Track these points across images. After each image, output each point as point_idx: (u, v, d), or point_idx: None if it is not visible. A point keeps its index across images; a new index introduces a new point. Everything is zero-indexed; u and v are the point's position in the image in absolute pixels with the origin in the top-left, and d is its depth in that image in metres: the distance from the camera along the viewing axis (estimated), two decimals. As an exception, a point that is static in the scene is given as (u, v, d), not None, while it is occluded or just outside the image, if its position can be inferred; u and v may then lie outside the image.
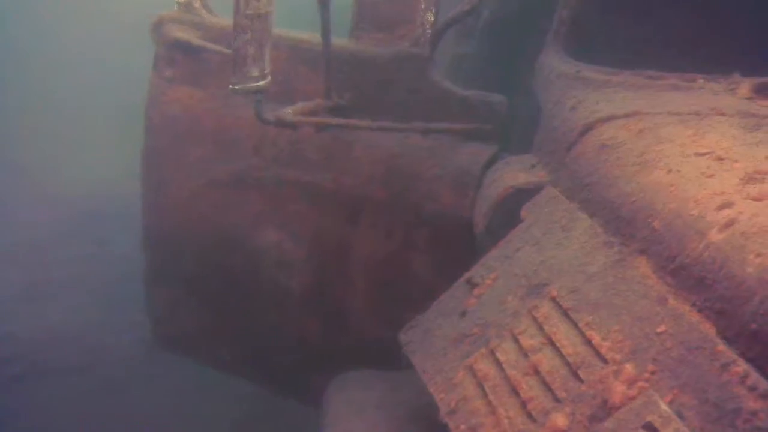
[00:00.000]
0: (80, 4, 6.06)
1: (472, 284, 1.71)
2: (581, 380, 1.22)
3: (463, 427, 1.36)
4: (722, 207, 1.15)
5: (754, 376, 0.98)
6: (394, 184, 2.25)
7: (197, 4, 2.57)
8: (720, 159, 1.29)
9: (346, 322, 2.44)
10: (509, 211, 1.83)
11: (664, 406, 1.05)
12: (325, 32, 2.18)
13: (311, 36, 2.41)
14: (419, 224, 2.21)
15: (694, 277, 1.12)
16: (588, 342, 1.25)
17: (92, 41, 6.03)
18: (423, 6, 2.22)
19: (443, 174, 2.16)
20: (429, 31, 2.23)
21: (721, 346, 1.04)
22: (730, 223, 1.11)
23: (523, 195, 1.81)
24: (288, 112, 2.13)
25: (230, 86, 1.91)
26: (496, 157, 2.13)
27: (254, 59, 1.90)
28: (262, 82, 1.95)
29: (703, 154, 1.32)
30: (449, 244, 2.16)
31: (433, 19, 2.23)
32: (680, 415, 1.04)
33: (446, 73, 2.50)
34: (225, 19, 2.58)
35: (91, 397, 3.46)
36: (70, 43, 6.08)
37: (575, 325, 1.30)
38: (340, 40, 2.33)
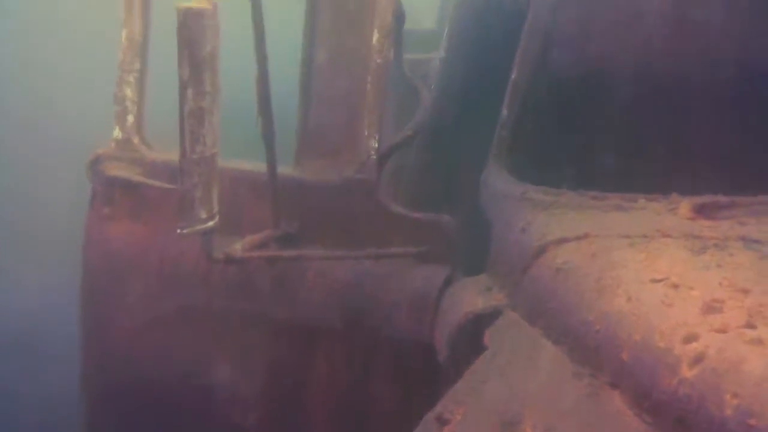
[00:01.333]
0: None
1: (442, 421, 1.66)
2: None
3: None
4: (688, 340, 1.16)
5: None
6: (350, 311, 2.21)
7: (136, 140, 2.54)
8: (676, 286, 1.31)
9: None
10: (471, 336, 1.82)
11: None
12: (271, 161, 2.18)
13: (255, 165, 2.41)
14: (379, 351, 2.17)
15: (673, 416, 1.11)
16: None
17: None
18: (366, 133, 2.27)
19: (399, 299, 2.14)
20: (374, 156, 2.27)
21: None
22: (699, 358, 1.12)
23: (483, 319, 1.81)
24: (237, 248, 2.09)
25: (178, 230, 1.86)
26: (450, 279, 2.13)
27: (201, 201, 1.87)
28: (210, 223, 1.91)
29: (659, 281, 1.35)
30: (411, 371, 2.12)
31: (377, 145, 2.27)
32: None
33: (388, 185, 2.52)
34: (165, 154, 2.57)
35: None
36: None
37: None
38: (285, 168, 2.34)
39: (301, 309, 2.28)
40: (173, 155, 2.54)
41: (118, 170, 2.52)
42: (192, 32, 1.73)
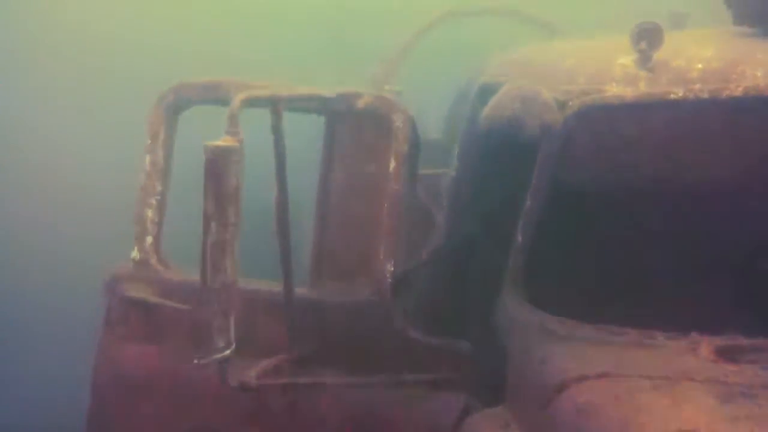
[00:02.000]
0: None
1: None
2: None
3: None
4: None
5: None
6: (363, 439, 2.17)
7: (153, 260, 2.57)
8: (706, 439, 1.29)
9: None
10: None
11: None
12: (288, 285, 2.20)
13: (270, 284, 2.42)
14: None
15: None
16: None
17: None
18: (382, 256, 2.30)
19: (415, 428, 2.10)
20: (389, 280, 2.29)
21: None
22: None
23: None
24: (252, 375, 2.08)
25: (195, 360, 1.86)
26: (467, 409, 2.10)
27: (219, 330, 1.88)
28: (227, 352, 1.91)
29: (688, 432, 1.33)
30: None
31: (392, 269, 2.29)
32: None
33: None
34: (182, 273, 2.59)
35: None
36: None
37: None
38: (300, 289, 2.35)
39: (313, 435, 2.23)
40: (190, 275, 2.58)
41: (134, 290, 2.54)
42: (219, 169, 1.79)
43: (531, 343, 1.93)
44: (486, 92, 2.75)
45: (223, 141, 1.84)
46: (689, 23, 3.06)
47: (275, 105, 2.06)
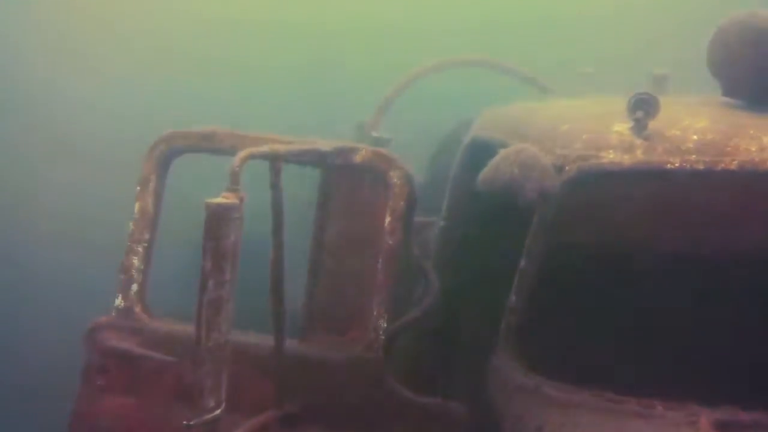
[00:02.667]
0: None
1: None
2: None
3: None
4: None
5: None
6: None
7: (138, 309, 2.51)
8: None
9: None
10: None
11: None
12: (279, 342, 2.16)
13: (258, 338, 2.38)
14: None
15: None
16: None
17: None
18: (375, 312, 2.28)
19: None
20: (382, 336, 2.26)
21: None
22: None
23: None
24: None
25: (184, 423, 1.80)
26: None
27: (211, 390, 1.83)
28: (217, 412, 1.85)
29: None
30: None
31: (385, 325, 2.27)
32: None
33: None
34: (167, 322, 2.53)
35: None
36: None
37: None
38: (289, 342, 2.31)
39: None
40: (175, 326, 2.52)
41: (116, 340, 2.46)
42: (218, 227, 1.76)
43: (526, 408, 1.91)
44: (478, 147, 2.79)
45: (224, 197, 1.82)
46: (670, 85, 3.16)
47: (275, 161, 2.05)
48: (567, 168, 2.03)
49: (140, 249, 2.53)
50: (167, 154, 2.55)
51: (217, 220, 1.76)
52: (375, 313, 2.28)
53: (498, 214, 2.25)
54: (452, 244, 2.88)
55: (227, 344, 1.87)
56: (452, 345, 2.68)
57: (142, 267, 2.53)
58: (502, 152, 2.08)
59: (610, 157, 1.99)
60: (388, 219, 2.31)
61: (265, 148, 2.05)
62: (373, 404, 2.20)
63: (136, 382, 2.45)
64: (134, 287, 2.52)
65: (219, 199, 1.79)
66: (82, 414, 2.44)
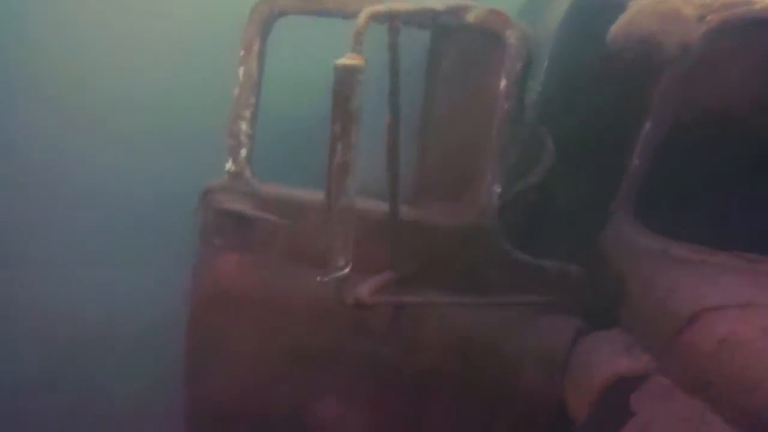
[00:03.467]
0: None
1: None
2: None
3: None
4: None
5: None
6: (469, 360, 2.19)
7: (247, 173, 2.55)
8: None
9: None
10: (616, 399, 1.78)
11: None
12: (394, 204, 2.17)
13: (367, 203, 2.39)
14: (498, 403, 2.14)
15: None
16: None
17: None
18: (489, 178, 2.25)
19: (525, 351, 2.11)
20: (496, 202, 2.24)
21: None
22: None
23: (629, 382, 1.77)
24: (364, 293, 2.08)
25: (318, 278, 1.86)
26: (579, 333, 2.10)
27: (341, 250, 1.87)
28: (346, 270, 1.91)
29: None
30: (531, 425, 2.08)
31: (499, 191, 2.25)
32: None
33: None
34: (276, 187, 2.57)
35: None
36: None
37: None
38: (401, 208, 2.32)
39: (416, 354, 2.26)
40: (284, 190, 2.56)
41: (229, 203, 2.53)
42: (347, 88, 1.72)
43: (655, 270, 1.90)
44: (590, 2, 2.61)
45: (349, 59, 1.76)
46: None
47: (393, 20, 1.96)
48: (709, 18, 1.87)
49: (247, 113, 2.52)
50: (269, 16, 2.47)
51: (346, 82, 1.72)
52: (488, 179, 2.25)
53: (629, 74, 2.12)
54: (551, 110, 2.77)
55: (354, 207, 1.89)
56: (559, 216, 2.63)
57: (249, 131, 2.54)
58: (636, 4, 1.93)
59: (763, 4, 1.81)
60: (503, 82, 2.22)
61: (383, 8, 1.96)
62: (488, 269, 2.23)
63: (251, 243, 2.54)
64: (243, 152, 2.55)
65: (346, 61, 1.74)
66: (202, 272, 2.57)
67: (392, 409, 2.33)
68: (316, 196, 2.50)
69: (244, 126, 2.53)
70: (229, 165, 2.56)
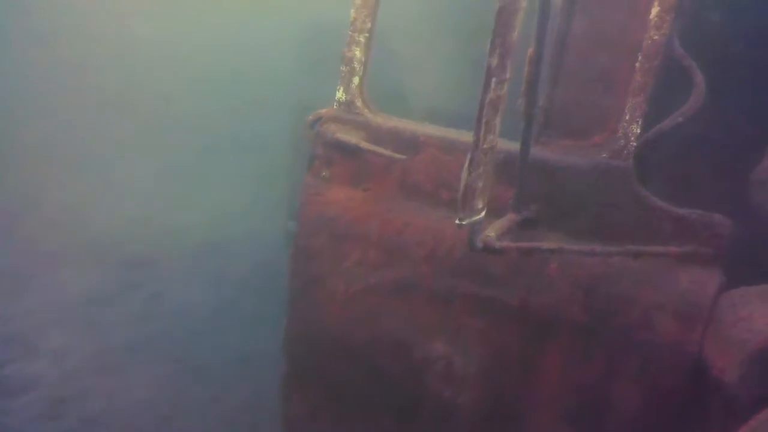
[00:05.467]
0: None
1: None
2: None
3: None
4: None
5: None
6: (596, 307, 2.09)
7: (359, 103, 2.43)
8: None
9: (525, 446, 2.29)
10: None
11: None
12: (526, 143, 2.04)
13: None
14: (628, 353, 2.05)
15: None
16: None
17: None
18: (628, 116, 2.08)
19: (663, 302, 2.00)
20: (634, 143, 2.09)
21: None
22: None
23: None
24: (491, 236, 1.99)
25: (457, 221, 1.77)
26: (722, 287, 1.98)
27: (482, 192, 1.76)
28: (483, 214, 1.81)
29: None
30: (663, 379, 2.00)
31: (639, 131, 2.08)
32: None
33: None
34: (389, 119, 2.46)
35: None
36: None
37: None
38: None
39: (538, 298, 2.17)
40: (398, 122, 2.44)
41: (342, 132, 2.42)
42: (508, 21, 1.57)
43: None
44: None
45: None
46: None
47: None
48: None
49: (362, 39, 2.38)
50: None
51: (508, 13, 1.56)
52: (627, 117, 2.09)
53: None
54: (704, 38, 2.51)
55: (497, 146, 1.77)
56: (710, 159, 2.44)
57: (363, 59, 2.40)
58: None
59: None
60: (655, 9, 2.01)
61: None
62: (621, 215, 2.10)
63: (362, 176, 2.45)
64: (355, 80, 2.43)
65: None
66: (310, 201, 2.50)
67: (504, 355, 2.27)
68: (432, 131, 2.39)
69: (358, 52, 2.39)
70: (340, 93, 2.44)
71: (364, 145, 2.38)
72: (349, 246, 2.45)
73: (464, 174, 1.73)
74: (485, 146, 1.70)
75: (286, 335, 2.65)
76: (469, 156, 1.70)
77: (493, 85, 1.63)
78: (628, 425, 2.07)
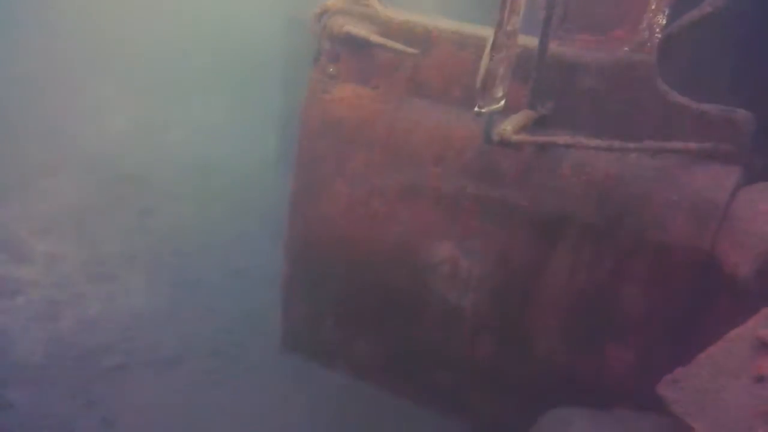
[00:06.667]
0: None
1: (764, 344, 1.55)
2: None
3: None
4: None
5: None
6: (609, 207, 2.05)
7: (369, -6, 2.31)
8: None
9: (529, 347, 2.29)
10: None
11: None
12: (544, 38, 1.95)
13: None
14: (637, 254, 2.03)
15: None
16: None
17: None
18: (654, 6, 1.99)
19: (678, 200, 1.96)
20: (658, 35, 2.00)
21: None
22: None
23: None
24: (507, 129, 1.92)
25: (476, 109, 1.70)
26: (740, 183, 1.94)
27: (502, 79, 1.69)
28: (503, 102, 1.74)
29: None
30: (673, 279, 1.98)
31: (664, 23, 1.99)
32: None
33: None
34: (401, 13, 2.34)
35: (188, 391, 3.33)
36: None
37: None
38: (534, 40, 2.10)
39: (548, 198, 2.13)
40: (408, 16, 2.32)
41: (350, 26, 2.31)
42: None
43: None
44: None
45: None
46: None
47: None
48: None
49: None
50: None
51: None
52: (653, 6, 1.99)
53: None
54: None
55: (518, 31, 1.68)
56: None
57: None
58: None
59: None
60: None
61: None
62: (640, 110, 2.03)
63: (370, 72, 2.35)
64: None
65: None
66: (313, 102, 2.41)
67: (512, 257, 2.24)
68: (446, 24, 2.28)
69: None
70: None
71: (375, 38, 2.27)
72: (356, 147, 2.38)
73: (484, 59, 1.65)
74: (509, 28, 1.62)
75: (288, 238, 2.60)
76: (491, 39, 1.62)
77: (521, -42, 1.53)
78: (636, 326, 2.06)
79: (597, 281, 2.11)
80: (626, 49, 2.04)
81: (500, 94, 1.71)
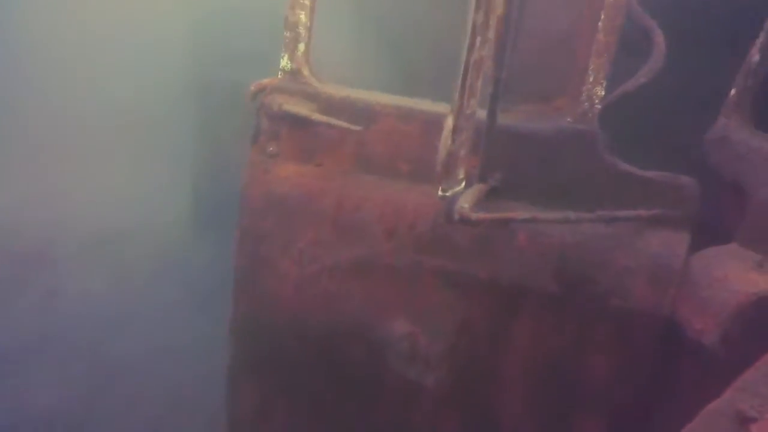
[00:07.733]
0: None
1: (744, 419, 1.56)
2: None
3: None
4: None
5: None
6: (567, 275, 2.05)
7: (306, 72, 2.25)
8: None
9: (495, 423, 2.23)
10: (752, 319, 1.70)
11: None
12: (492, 110, 1.95)
13: (445, 107, 2.16)
14: (599, 321, 2.03)
15: None
16: None
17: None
18: (592, 78, 2.03)
19: (635, 266, 1.98)
20: (598, 105, 2.05)
21: None
22: None
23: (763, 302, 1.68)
24: (465, 207, 1.89)
25: (440, 192, 1.66)
26: (692, 247, 1.98)
27: (464, 161, 1.66)
28: (463, 184, 1.71)
29: None
30: (636, 345, 1.99)
31: (603, 93, 2.04)
32: None
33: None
34: (340, 89, 2.29)
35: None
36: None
37: None
38: (481, 111, 2.10)
39: (506, 269, 2.11)
40: (349, 91, 2.28)
41: (289, 104, 2.24)
42: None
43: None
44: None
45: None
46: None
47: None
48: None
49: (307, 1, 2.19)
50: None
51: None
52: (591, 79, 2.04)
53: None
54: None
55: (476, 113, 1.66)
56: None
57: (308, 24, 2.22)
58: None
59: None
60: None
61: None
62: (587, 180, 2.06)
63: (313, 150, 2.28)
64: (301, 47, 2.24)
65: None
66: (253, 181, 2.30)
67: (472, 331, 2.20)
68: (387, 99, 2.25)
69: (302, 17, 2.20)
70: (284, 61, 2.25)
71: (316, 116, 2.21)
72: (302, 225, 2.28)
73: (445, 142, 1.62)
74: (468, 111, 1.60)
75: (233, 318, 2.45)
76: (451, 122, 1.59)
77: (477, 44, 1.52)
78: (603, 395, 2.05)
79: (560, 351, 2.09)
80: (569, 119, 2.07)
81: (462, 175, 1.68)
